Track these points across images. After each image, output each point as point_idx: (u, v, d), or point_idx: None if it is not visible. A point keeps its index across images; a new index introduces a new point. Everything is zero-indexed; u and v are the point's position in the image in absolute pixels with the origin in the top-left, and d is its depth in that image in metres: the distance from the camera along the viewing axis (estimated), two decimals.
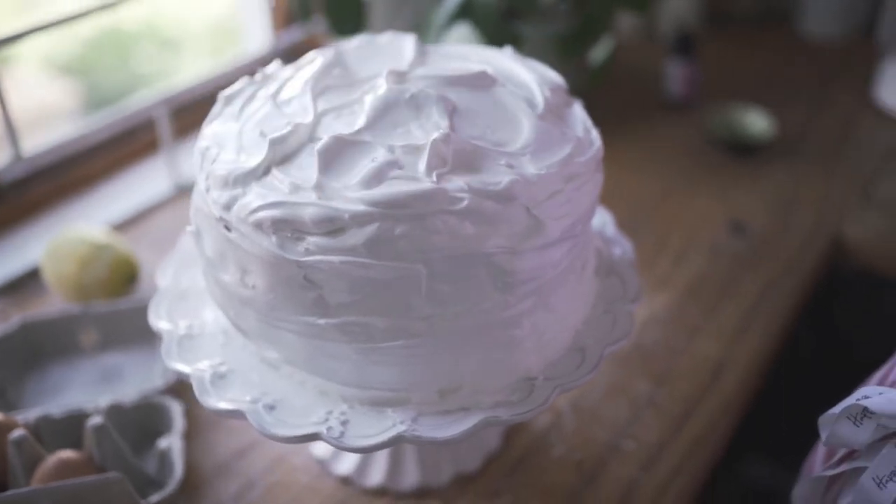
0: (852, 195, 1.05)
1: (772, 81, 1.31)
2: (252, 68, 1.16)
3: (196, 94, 1.08)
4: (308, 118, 0.55)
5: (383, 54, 0.64)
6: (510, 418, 0.52)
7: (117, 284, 0.84)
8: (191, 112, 1.14)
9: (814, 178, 1.08)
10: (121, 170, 1.08)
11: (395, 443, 0.51)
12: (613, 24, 1.03)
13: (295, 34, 1.19)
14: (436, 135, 0.51)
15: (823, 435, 0.54)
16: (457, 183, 0.49)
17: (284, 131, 0.53)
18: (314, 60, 0.63)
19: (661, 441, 0.72)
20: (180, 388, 0.74)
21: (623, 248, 0.68)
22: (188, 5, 1.13)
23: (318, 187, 0.50)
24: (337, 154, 0.51)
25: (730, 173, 1.09)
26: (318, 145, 0.51)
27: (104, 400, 0.70)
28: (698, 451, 0.71)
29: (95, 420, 0.63)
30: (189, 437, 0.71)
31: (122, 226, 0.99)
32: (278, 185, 0.51)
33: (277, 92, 0.59)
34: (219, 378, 0.56)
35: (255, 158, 0.52)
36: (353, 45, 0.65)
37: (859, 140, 1.17)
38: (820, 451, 0.62)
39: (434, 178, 0.49)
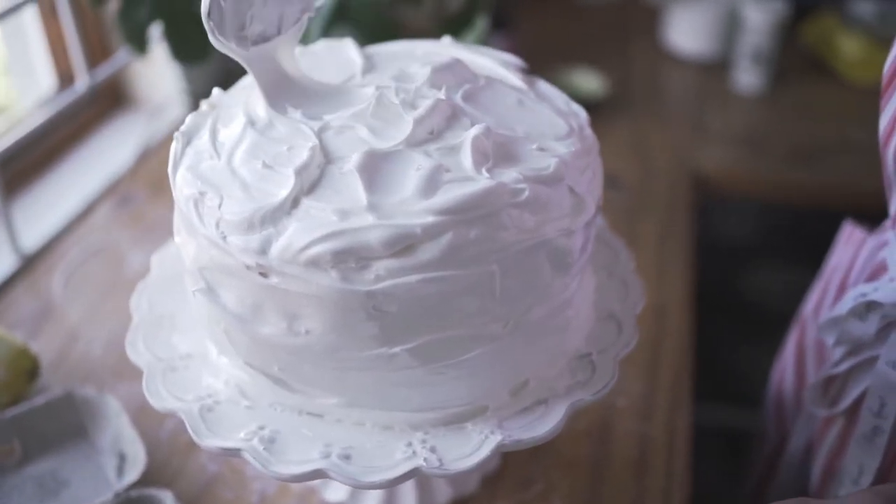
0: (691, 133, 1.15)
1: (577, 45, 1.40)
2: (74, 109, 1.03)
3: (17, 147, 0.93)
4: (313, 140, 0.50)
5: (330, 62, 0.60)
6: (594, 397, 0.52)
7: (20, 382, 0.71)
8: (11, 167, 0.99)
9: (654, 124, 1.17)
10: None
11: (497, 452, 0.49)
12: (490, 6, 1.04)
13: (114, 65, 1.07)
14: (474, 131, 0.49)
15: (831, 338, 0.60)
16: (510, 174, 0.48)
17: (305, 158, 0.48)
18: None
19: (646, 390, 0.75)
20: (154, 474, 0.65)
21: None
22: None
23: (373, 207, 0.46)
24: (375, 169, 0.47)
25: None
26: (353, 163, 0.47)
27: None
28: (680, 390, 0.75)
29: None
30: None
31: None
32: (320, 214, 0.46)
33: (251, 119, 0.53)
34: (270, 443, 0.50)
35: (278, 192, 0.47)
36: None
37: (672, 84, 1.29)
38: (788, 359, 0.68)
39: (486, 174, 0.47)
